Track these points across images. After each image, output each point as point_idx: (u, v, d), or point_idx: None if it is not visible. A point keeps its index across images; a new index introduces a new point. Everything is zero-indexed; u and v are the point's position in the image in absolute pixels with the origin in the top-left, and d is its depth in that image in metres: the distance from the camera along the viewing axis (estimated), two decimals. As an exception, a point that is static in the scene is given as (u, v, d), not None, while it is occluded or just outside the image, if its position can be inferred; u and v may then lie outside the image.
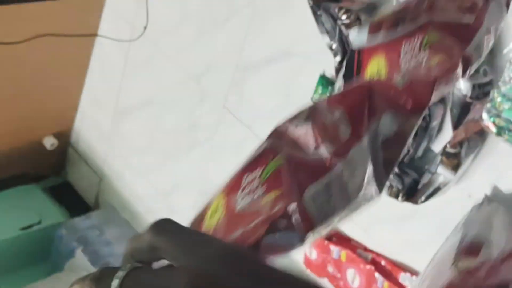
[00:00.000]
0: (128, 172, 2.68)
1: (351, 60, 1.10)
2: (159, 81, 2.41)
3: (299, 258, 1.96)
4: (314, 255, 1.85)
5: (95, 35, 2.53)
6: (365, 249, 1.78)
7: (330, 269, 1.83)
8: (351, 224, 1.80)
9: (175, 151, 2.43)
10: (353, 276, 1.78)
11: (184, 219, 2.29)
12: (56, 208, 2.71)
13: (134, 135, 2.61)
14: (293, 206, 0.74)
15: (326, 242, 1.81)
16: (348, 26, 1.52)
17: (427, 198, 1.46)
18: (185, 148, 2.38)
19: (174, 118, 2.39)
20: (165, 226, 0.57)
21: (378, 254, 1.75)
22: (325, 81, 1.76)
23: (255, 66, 2.01)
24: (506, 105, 1.30)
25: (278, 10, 1.88)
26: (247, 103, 2.09)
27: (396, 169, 1.53)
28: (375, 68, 1.13)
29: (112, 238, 2.57)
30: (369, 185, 0.83)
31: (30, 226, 2.58)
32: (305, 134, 0.84)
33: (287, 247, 0.75)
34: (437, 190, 1.45)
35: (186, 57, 2.27)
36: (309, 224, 0.75)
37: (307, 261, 1.88)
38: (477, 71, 1.35)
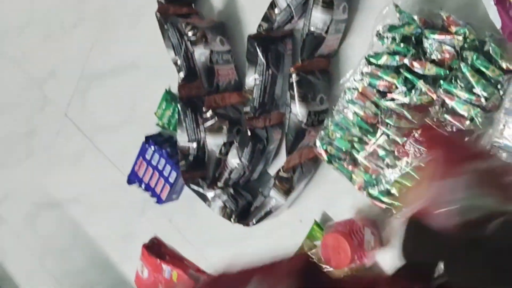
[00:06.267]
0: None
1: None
2: (-2, 82, 2.28)
3: (131, 276, 1.90)
4: (145, 273, 1.80)
5: None
6: (198, 269, 1.76)
7: (161, 289, 1.79)
8: (186, 244, 1.78)
9: (9, 158, 2.29)
10: (183, 297, 1.75)
11: (14, 231, 2.13)
12: None
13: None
14: None
15: (158, 261, 1.77)
16: (194, 43, 1.51)
17: (259, 221, 1.47)
18: (21, 156, 2.25)
19: (11, 123, 2.26)
20: None
21: (209, 275, 1.73)
22: (170, 97, 1.74)
23: (101, 76, 1.95)
24: (338, 134, 1.33)
25: (127, 21, 1.83)
26: (90, 113, 2.01)
27: (231, 190, 1.52)
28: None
29: None
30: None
31: None
32: None
33: None
34: (268, 213, 1.45)
35: (29, 61, 2.16)
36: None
37: (138, 280, 1.83)
38: (313, 98, 1.38)
